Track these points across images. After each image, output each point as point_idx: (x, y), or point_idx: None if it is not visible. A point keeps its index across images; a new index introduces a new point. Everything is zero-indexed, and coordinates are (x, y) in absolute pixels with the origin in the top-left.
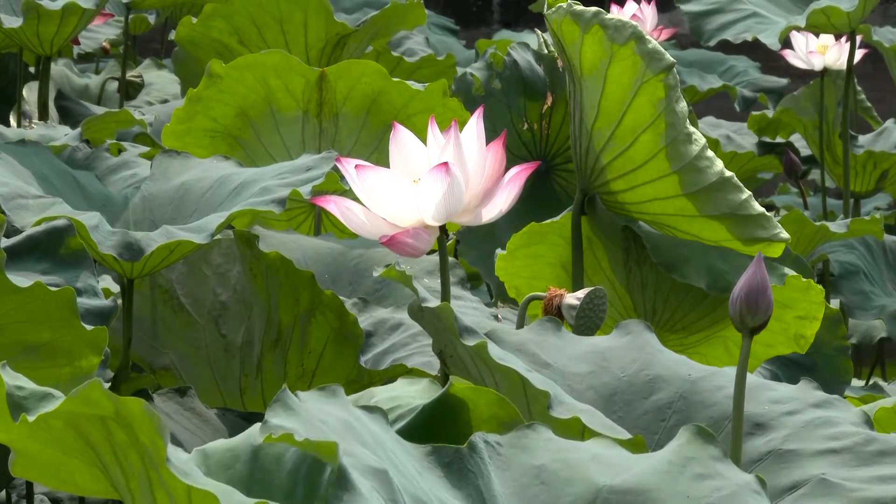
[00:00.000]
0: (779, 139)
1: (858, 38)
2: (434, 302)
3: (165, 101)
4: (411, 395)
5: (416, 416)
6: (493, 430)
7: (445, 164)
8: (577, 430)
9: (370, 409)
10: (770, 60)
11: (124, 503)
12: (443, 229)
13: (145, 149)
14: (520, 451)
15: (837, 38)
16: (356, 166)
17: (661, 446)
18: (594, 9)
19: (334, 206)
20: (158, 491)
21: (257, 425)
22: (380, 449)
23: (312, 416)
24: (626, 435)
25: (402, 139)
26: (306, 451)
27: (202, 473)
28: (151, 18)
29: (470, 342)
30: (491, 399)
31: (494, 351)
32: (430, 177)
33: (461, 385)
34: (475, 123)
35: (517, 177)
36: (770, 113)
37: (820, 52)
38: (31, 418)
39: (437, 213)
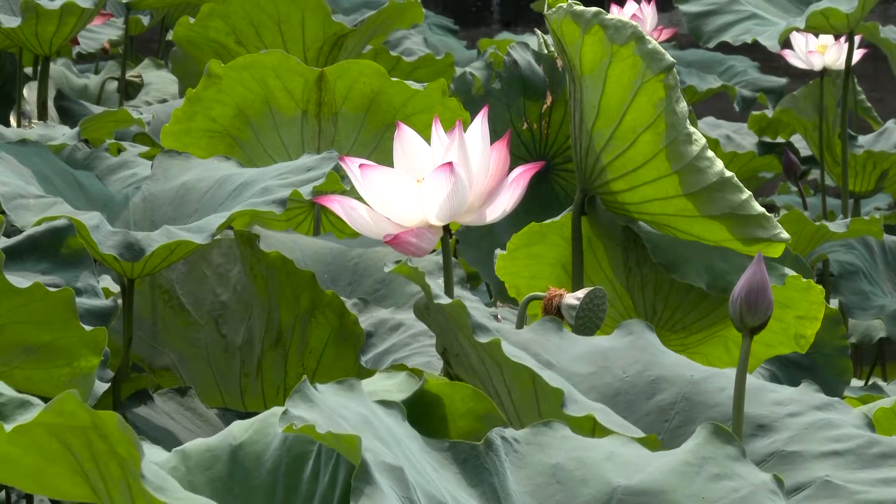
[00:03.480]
0: (779, 139)
1: (858, 38)
2: (446, 299)
3: (164, 101)
4: (388, 389)
5: None
6: (469, 424)
7: (449, 163)
8: (587, 429)
9: (387, 403)
10: (770, 60)
11: None
12: (446, 229)
13: (145, 148)
14: (536, 448)
15: (837, 38)
16: (360, 166)
17: (663, 447)
18: (594, 9)
19: (338, 205)
20: (139, 499)
21: (235, 423)
22: (395, 445)
23: (331, 409)
24: (639, 433)
25: (406, 139)
26: (301, 448)
27: (182, 476)
28: (145, 20)
29: (483, 339)
30: (467, 393)
31: (507, 348)
32: (434, 176)
33: (435, 381)
34: (479, 124)
35: (521, 177)
36: (770, 113)
37: (819, 51)
38: (8, 428)
39: (441, 213)
